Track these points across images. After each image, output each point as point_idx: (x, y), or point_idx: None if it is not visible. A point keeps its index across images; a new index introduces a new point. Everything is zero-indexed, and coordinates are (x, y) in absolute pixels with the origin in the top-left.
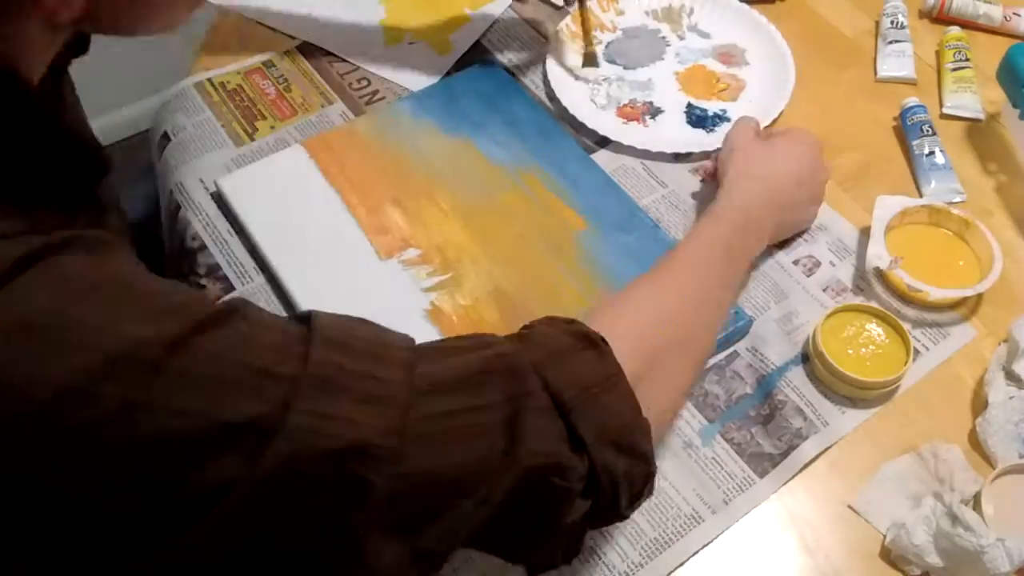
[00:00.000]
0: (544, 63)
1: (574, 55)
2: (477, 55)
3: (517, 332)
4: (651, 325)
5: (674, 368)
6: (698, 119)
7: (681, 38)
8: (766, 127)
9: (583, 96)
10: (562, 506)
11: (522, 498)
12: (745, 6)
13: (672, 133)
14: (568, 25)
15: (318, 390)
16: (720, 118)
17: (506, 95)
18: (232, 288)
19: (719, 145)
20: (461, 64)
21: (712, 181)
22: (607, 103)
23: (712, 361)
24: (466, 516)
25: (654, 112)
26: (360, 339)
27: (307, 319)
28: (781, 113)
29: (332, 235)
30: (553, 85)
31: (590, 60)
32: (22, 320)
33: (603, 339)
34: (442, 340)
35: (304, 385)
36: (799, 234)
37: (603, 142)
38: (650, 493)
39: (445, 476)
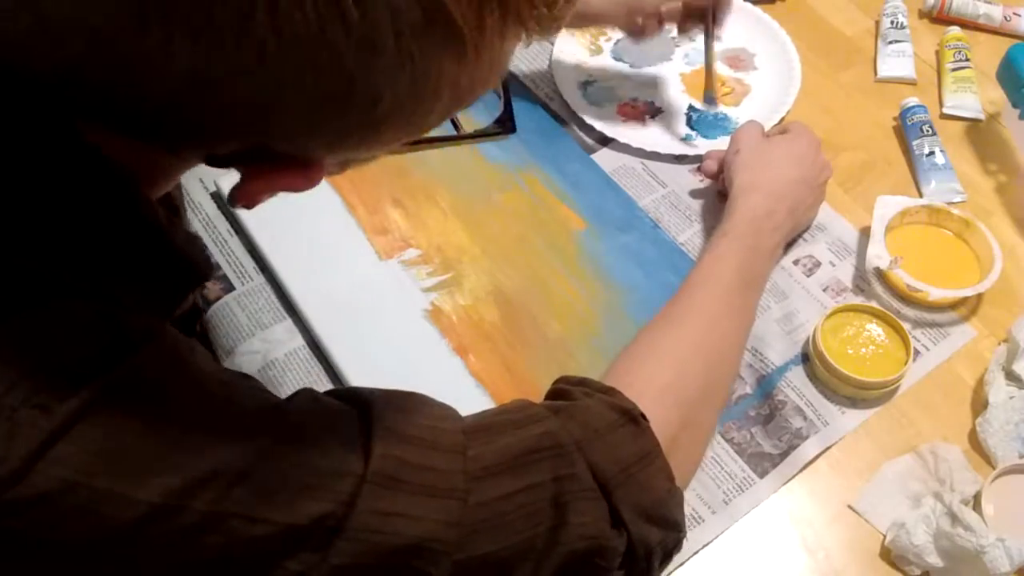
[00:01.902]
0: (549, 61)
1: (580, 51)
2: None
3: (554, 392)
4: (680, 382)
5: (704, 419)
6: (697, 121)
7: (692, 40)
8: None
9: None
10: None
11: None
12: (759, 11)
13: (670, 134)
14: None
15: (381, 487)
16: (720, 122)
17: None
18: (232, 287)
19: (714, 149)
20: None
21: (715, 182)
22: (610, 99)
23: None
24: None
25: (654, 112)
26: (416, 426)
27: (366, 404)
28: (782, 119)
29: (332, 235)
30: (557, 82)
31: (708, 100)
32: (115, 443)
33: (642, 414)
34: (488, 414)
35: (367, 482)
36: (799, 234)
37: (604, 140)
38: (678, 551)
39: (498, 557)
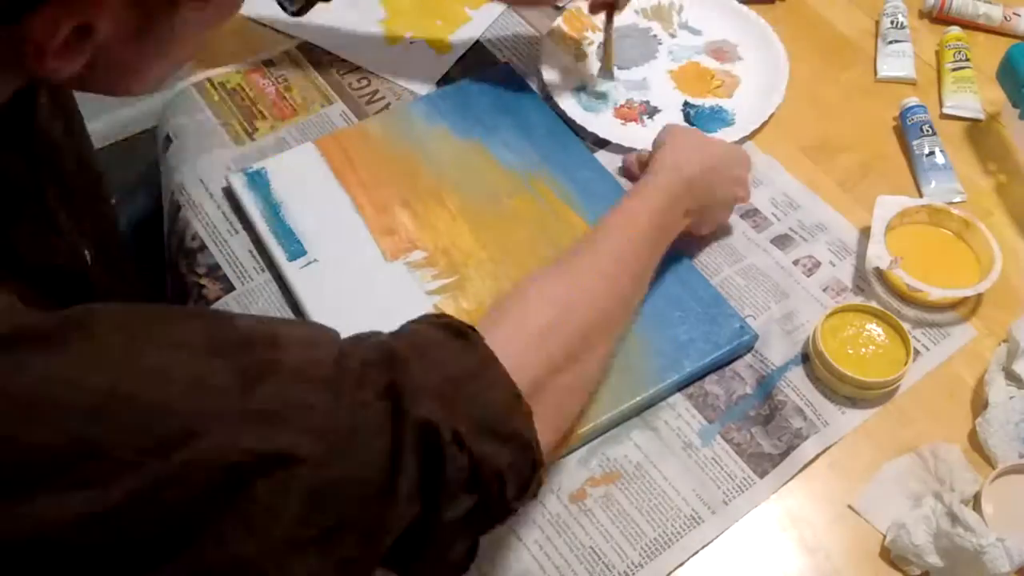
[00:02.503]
0: (539, 70)
1: (566, 57)
2: (477, 55)
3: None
4: (556, 327)
5: (581, 369)
6: (696, 117)
7: (673, 36)
8: (755, 130)
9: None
10: (443, 495)
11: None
12: (734, 1)
13: None
14: (560, 26)
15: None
16: (717, 115)
17: (519, 99)
18: (232, 288)
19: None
20: (460, 64)
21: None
22: (605, 103)
23: (711, 363)
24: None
25: (652, 112)
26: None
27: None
28: (778, 107)
29: (339, 234)
30: (549, 88)
31: (604, 76)
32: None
33: (471, 328)
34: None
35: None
36: (798, 232)
37: (602, 143)
38: (539, 484)
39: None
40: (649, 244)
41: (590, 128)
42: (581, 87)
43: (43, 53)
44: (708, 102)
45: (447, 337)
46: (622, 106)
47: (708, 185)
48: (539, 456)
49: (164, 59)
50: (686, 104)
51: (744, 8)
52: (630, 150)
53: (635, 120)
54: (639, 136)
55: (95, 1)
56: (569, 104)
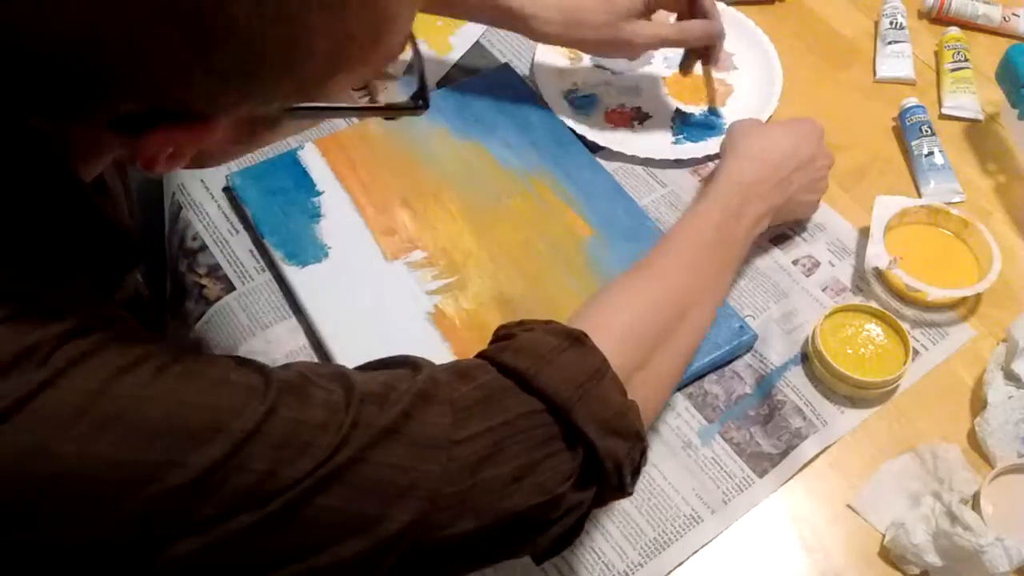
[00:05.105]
0: (531, 70)
1: (559, 60)
2: (477, 55)
3: (496, 337)
4: (639, 325)
5: (661, 367)
6: (686, 124)
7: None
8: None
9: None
10: (542, 526)
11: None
12: (731, 10)
13: (659, 138)
14: None
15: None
16: (709, 124)
17: (519, 99)
18: (232, 287)
19: (707, 152)
20: (460, 64)
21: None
22: (596, 107)
23: (711, 362)
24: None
25: (641, 117)
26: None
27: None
28: (771, 117)
29: (340, 234)
30: (541, 91)
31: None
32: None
33: (584, 333)
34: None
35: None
36: (798, 232)
37: (595, 147)
38: (645, 463)
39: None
40: (720, 251)
41: (579, 131)
42: (572, 90)
43: (153, 162)
44: (700, 110)
45: (564, 343)
46: (613, 110)
47: (775, 186)
48: (647, 442)
49: (252, 150)
50: (677, 111)
51: (742, 16)
52: (618, 155)
53: (625, 125)
54: (629, 141)
55: (210, 128)
56: (559, 107)
